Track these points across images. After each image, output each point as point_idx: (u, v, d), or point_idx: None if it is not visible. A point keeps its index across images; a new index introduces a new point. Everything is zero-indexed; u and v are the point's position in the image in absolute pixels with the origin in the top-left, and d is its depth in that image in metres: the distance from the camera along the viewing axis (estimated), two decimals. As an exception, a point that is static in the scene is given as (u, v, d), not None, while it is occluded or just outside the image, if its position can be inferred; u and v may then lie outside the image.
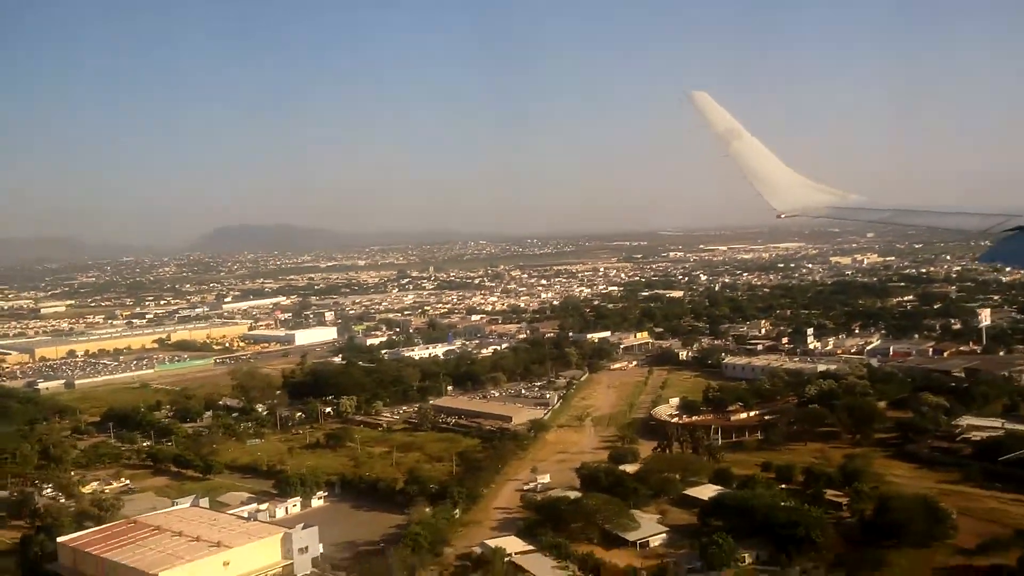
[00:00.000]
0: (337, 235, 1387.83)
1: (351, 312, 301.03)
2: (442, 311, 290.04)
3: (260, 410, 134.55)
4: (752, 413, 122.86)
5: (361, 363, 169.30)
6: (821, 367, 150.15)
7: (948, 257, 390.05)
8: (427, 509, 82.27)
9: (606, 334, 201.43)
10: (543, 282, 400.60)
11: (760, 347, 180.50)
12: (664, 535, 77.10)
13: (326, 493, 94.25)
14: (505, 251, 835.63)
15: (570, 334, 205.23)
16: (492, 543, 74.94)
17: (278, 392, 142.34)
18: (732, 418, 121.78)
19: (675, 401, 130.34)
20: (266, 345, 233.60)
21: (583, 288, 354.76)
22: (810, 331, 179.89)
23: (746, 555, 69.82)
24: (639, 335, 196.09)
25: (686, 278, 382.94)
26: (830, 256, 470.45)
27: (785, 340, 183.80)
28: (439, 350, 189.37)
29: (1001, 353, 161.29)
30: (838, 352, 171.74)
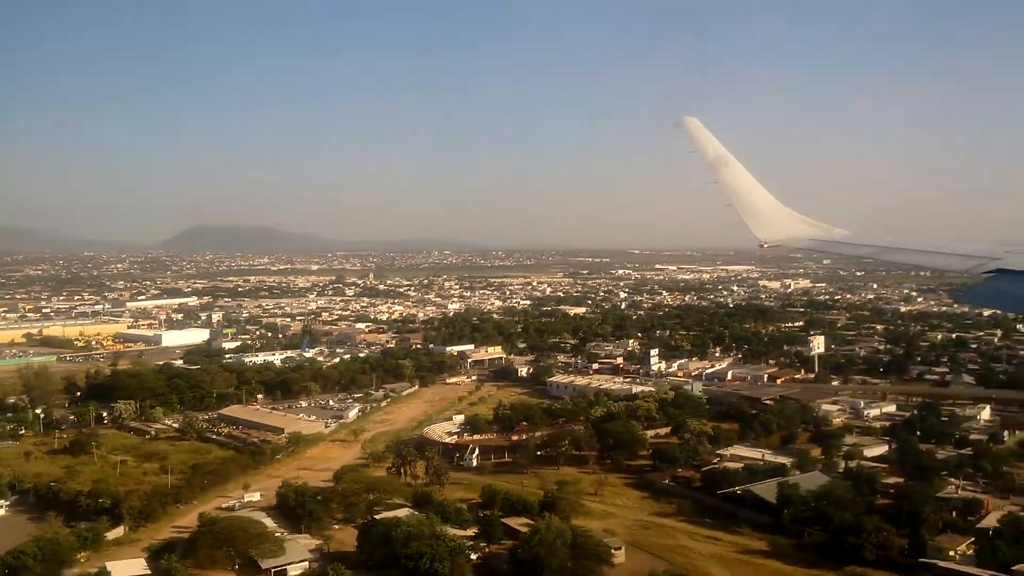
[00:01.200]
0: (315, 240, 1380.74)
1: (244, 315, 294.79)
2: (334, 318, 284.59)
3: (37, 412, 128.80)
4: (538, 433, 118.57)
5: (189, 366, 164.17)
6: (643, 388, 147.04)
7: (907, 289, 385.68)
8: (61, 524, 77.19)
9: (468, 347, 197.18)
10: (465, 294, 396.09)
11: (598, 367, 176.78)
12: (307, 563, 72.51)
13: (7, 503, 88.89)
14: (467, 262, 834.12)
15: (431, 345, 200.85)
16: (113, 566, 70.20)
17: (60, 393, 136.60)
18: (514, 438, 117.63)
19: (459, 419, 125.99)
20: (130, 345, 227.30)
21: (496, 301, 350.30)
22: (654, 353, 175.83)
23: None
24: (491, 349, 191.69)
25: (604, 294, 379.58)
26: (760, 280, 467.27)
27: (625, 361, 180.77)
28: (278, 357, 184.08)
29: (834, 382, 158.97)
30: (678, 374, 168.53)
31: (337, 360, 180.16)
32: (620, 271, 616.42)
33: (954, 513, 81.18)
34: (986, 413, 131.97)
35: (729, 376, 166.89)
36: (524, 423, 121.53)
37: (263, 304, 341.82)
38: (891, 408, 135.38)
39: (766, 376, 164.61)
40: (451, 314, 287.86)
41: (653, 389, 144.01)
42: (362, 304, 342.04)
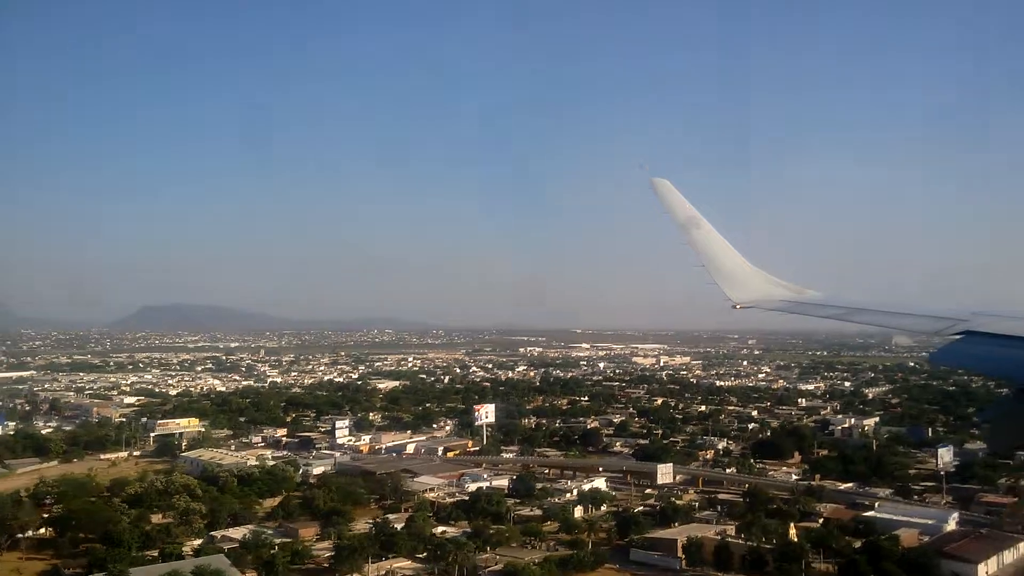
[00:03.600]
0: (268, 318, 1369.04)
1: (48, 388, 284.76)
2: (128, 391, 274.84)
3: None
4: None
5: None
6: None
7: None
8: None
9: (183, 421, 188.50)
10: (321, 369, 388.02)
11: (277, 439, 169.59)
12: None
13: None
14: (397, 339, 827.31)
15: (145, 419, 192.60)
16: None
17: None
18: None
19: None
20: None
21: (331, 375, 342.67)
22: (342, 424, 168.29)
23: None
24: (190, 422, 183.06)
25: (460, 370, 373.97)
26: (635, 358, 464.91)
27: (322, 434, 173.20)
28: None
29: (508, 453, 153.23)
30: (362, 448, 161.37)
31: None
32: (523, 349, 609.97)
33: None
34: (599, 483, 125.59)
35: (410, 448, 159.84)
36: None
37: (82, 378, 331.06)
38: (503, 481, 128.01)
39: (441, 448, 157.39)
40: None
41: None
42: (194, 377, 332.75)
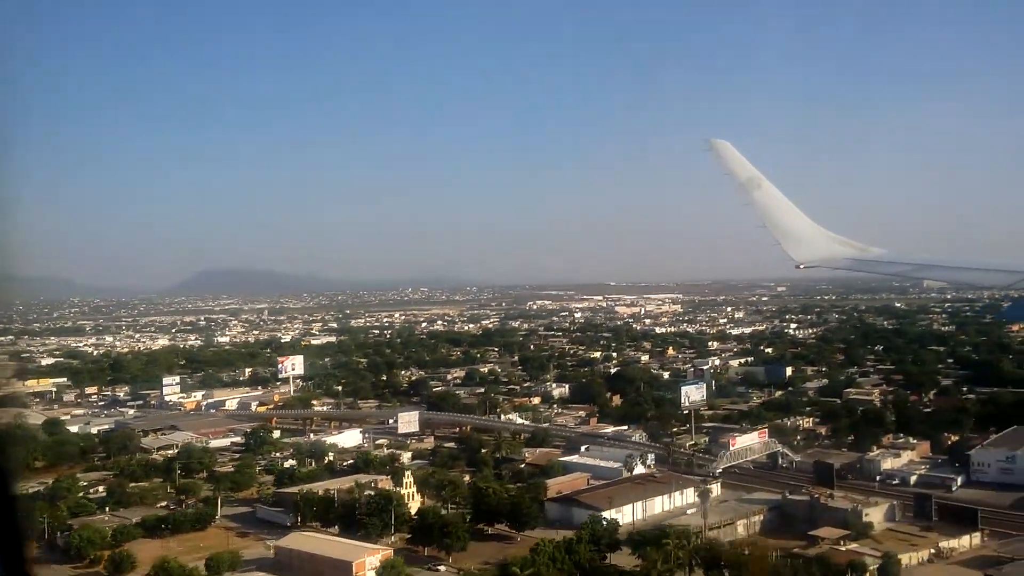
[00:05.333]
0: (316, 280, 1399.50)
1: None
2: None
3: None
4: None
5: None
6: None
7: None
8: None
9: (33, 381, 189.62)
10: (294, 327, 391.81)
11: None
12: None
13: None
14: (424, 297, 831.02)
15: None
16: None
17: None
18: None
19: None
20: None
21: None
22: (171, 381, 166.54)
23: None
24: (39, 381, 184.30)
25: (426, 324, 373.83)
26: (618, 307, 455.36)
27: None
28: None
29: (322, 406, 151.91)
30: (185, 405, 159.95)
31: None
32: (531, 304, 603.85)
33: None
34: (353, 435, 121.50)
35: (231, 404, 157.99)
36: None
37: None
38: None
39: (255, 404, 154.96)
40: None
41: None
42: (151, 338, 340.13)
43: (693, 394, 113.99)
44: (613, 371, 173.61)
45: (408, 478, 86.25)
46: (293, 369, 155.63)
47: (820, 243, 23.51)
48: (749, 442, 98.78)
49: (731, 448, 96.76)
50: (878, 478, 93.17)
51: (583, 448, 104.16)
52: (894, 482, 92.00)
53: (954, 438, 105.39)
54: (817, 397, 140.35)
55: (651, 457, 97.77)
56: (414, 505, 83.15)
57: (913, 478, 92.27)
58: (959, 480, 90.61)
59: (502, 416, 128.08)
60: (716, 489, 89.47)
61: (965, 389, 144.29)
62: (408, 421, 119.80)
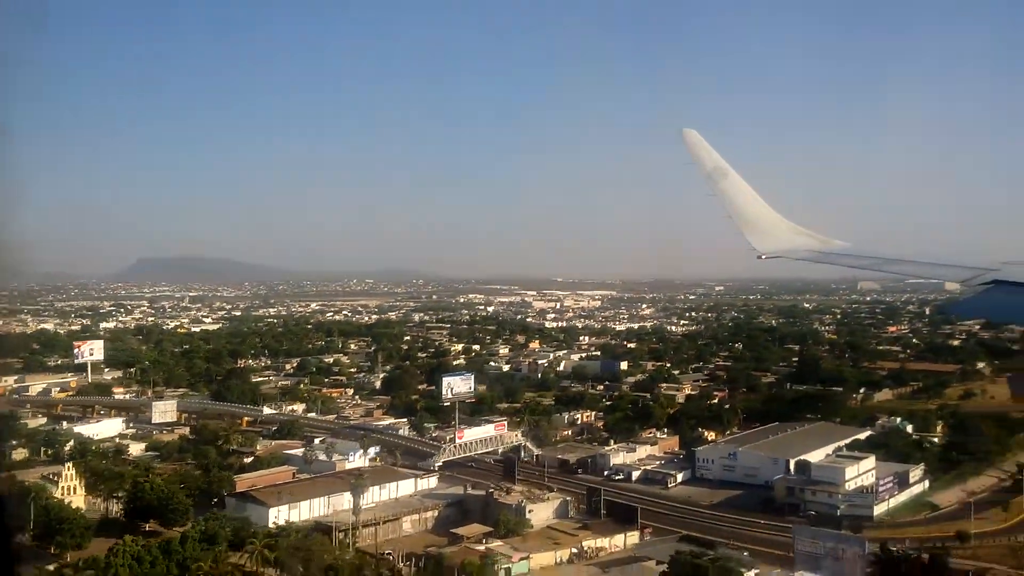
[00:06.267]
0: (270, 270, 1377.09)
1: None
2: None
3: None
4: None
5: None
6: None
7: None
8: None
9: None
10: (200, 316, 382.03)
11: None
12: None
13: None
14: (367, 289, 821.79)
15: None
16: None
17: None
18: None
19: None
20: None
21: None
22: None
23: None
24: None
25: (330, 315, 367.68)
26: (535, 303, 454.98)
27: None
28: None
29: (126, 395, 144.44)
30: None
31: None
32: (462, 297, 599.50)
33: None
34: (112, 426, 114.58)
35: (35, 390, 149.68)
36: None
37: None
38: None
39: (55, 390, 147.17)
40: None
41: None
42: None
43: (458, 385, 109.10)
44: (435, 363, 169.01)
45: (69, 471, 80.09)
46: (91, 354, 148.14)
47: (783, 234, 23.50)
48: (483, 434, 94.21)
49: (458, 440, 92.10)
50: (606, 473, 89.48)
51: (316, 440, 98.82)
52: (618, 477, 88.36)
53: (711, 434, 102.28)
54: (628, 392, 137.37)
55: (374, 450, 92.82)
56: (77, 500, 77.36)
57: (636, 473, 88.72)
58: (679, 476, 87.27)
59: (264, 408, 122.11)
60: (432, 482, 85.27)
61: (789, 386, 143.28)
62: (163, 411, 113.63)
